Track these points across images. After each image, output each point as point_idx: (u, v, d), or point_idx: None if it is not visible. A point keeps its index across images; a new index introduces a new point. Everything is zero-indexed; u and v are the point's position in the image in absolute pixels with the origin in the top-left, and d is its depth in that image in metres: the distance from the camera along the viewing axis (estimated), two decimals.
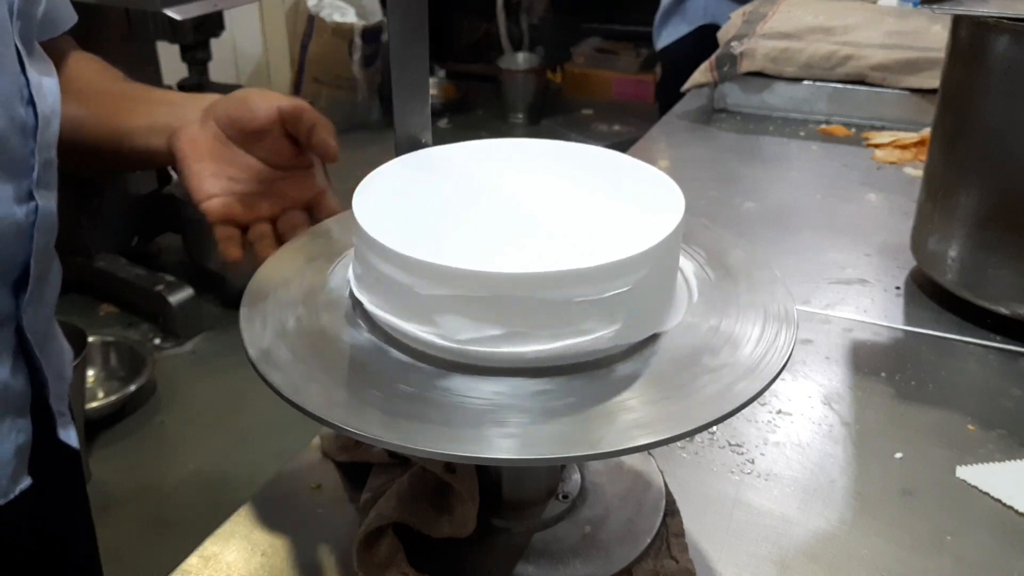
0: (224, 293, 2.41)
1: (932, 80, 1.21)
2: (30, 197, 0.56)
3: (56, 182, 0.60)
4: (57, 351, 0.67)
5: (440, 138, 0.53)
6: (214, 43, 2.59)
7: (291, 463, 0.61)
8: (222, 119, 0.63)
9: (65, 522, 0.73)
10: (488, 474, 0.51)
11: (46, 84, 0.58)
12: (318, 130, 0.62)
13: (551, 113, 3.95)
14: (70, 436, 0.67)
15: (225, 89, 2.72)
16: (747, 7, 1.50)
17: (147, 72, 2.60)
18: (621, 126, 3.80)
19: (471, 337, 0.42)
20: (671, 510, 0.54)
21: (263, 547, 0.54)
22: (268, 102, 0.63)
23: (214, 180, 0.62)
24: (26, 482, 0.61)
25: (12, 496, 0.60)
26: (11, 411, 0.59)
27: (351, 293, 0.48)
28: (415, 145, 0.55)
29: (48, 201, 0.58)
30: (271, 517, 0.57)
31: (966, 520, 0.57)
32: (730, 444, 0.64)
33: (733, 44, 1.34)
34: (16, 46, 0.55)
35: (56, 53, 0.66)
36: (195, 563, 0.53)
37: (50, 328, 0.65)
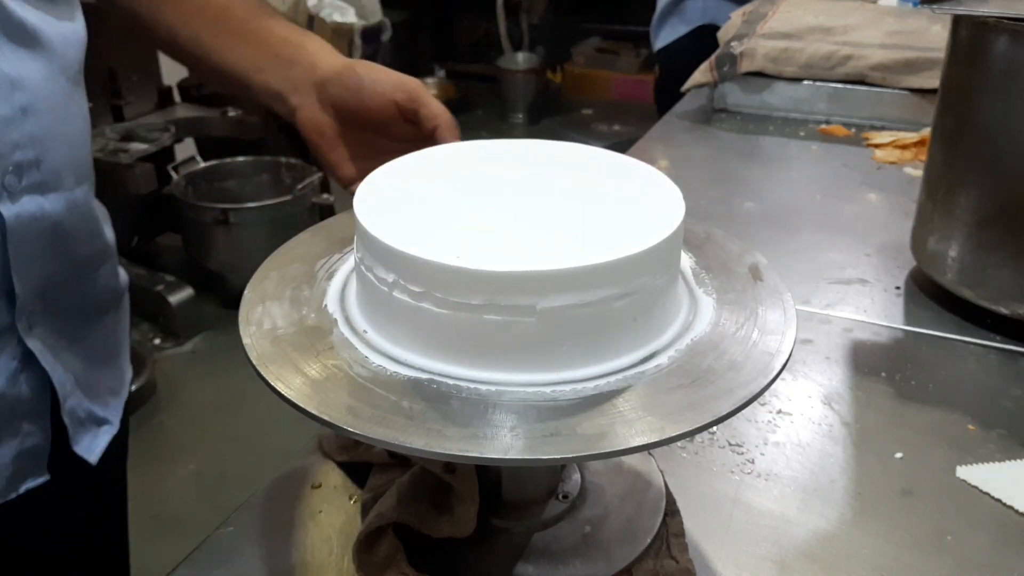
0: (224, 293, 2.41)
1: (932, 80, 1.21)
2: None
3: (48, 183, 0.55)
4: (89, 366, 0.64)
5: None
6: None
7: (291, 463, 0.61)
8: (339, 108, 0.61)
9: (87, 526, 0.72)
10: (488, 474, 0.51)
11: (20, 75, 0.52)
12: (441, 133, 0.59)
13: (551, 113, 3.96)
14: (90, 449, 0.65)
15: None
16: (747, 7, 1.50)
17: (147, 72, 2.61)
18: (621, 126, 3.80)
19: (472, 336, 0.42)
20: (671, 510, 0.54)
21: (263, 547, 0.54)
22: (382, 95, 0.60)
23: (351, 164, 0.61)
24: (36, 480, 0.61)
25: (11, 497, 0.60)
26: (14, 417, 0.58)
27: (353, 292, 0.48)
28: None
29: (25, 207, 0.53)
30: (271, 517, 0.57)
31: (966, 520, 0.57)
32: (730, 444, 0.64)
33: (733, 44, 1.34)
34: None
35: None
36: (194, 563, 0.53)
37: (72, 342, 0.62)
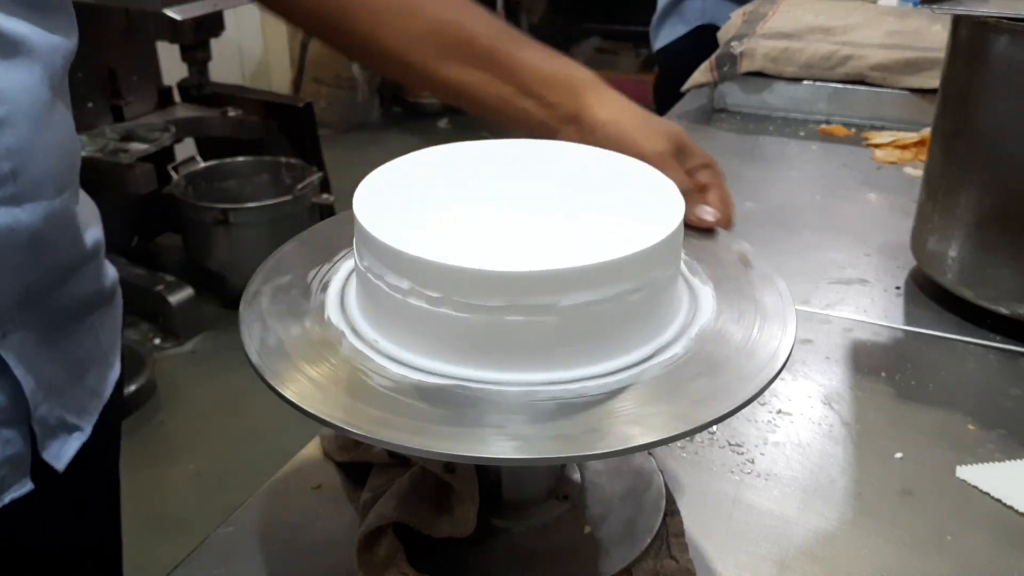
0: (224, 293, 2.41)
1: (932, 80, 1.21)
2: None
3: (24, 194, 0.53)
4: (67, 371, 0.63)
5: (440, 138, 0.53)
6: (214, 43, 2.60)
7: (291, 463, 0.61)
8: None
9: (84, 533, 0.72)
10: (488, 474, 0.51)
11: (9, 84, 0.50)
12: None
13: None
14: (58, 456, 0.63)
15: (225, 89, 2.74)
16: (747, 7, 1.50)
17: (147, 72, 2.61)
18: None
19: (472, 336, 0.42)
20: (671, 510, 0.54)
21: (263, 547, 0.54)
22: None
23: None
24: (21, 490, 0.60)
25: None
26: None
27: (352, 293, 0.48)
28: None
29: (1, 219, 0.52)
30: (271, 517, 0.57)
31: (966, 520, 0.57)
32: (730, 444, 0.64)
33: (733, 44, 1.34)
34: None
35: None
36: (194, 563, 0.53)
37: (50, 347, 0.61)
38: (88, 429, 0.66)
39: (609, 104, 0.61)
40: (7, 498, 0.60)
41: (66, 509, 0.67)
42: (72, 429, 0.64)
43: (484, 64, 0.62)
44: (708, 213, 0.55)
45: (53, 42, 0.55)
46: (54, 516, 0.66)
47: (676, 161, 0.57)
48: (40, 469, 0.62)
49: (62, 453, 0.64)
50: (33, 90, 0.53)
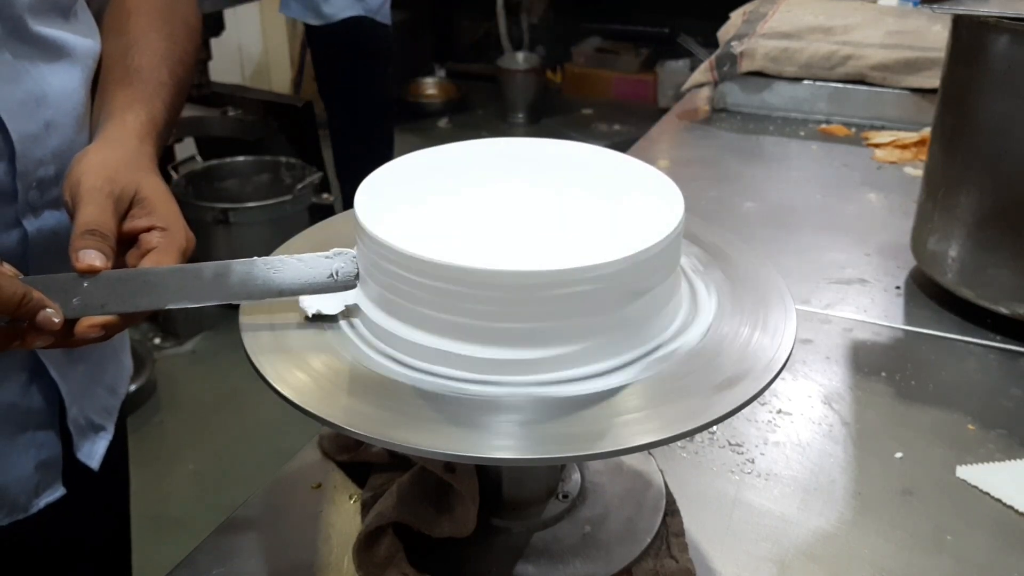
0: None
1: (932, 80, 1.21)
2: (16, 223, 0.53)
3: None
4: (90, 371, 0.64)
5: (440, 138, 0.53)
6: (214, 43, 2.59)
7: (291, 463, 0.61)
8: None
9: (97, 531, 0.73)
10: (488, 474, 0.51)
11: (45, 91, 0.53)
12: None
13: (551, 113, 3.95)
14: (91, 455, 0.65)
15: (225, 89, 2.74)
16: (747, 7, 1.50)
17: None
18: (621, 126, 3.80)
19: (472, 336, 0.42)
20: (671, 510, 0.54)
21: (263, 547, 0.54)
22: None
23: None
24: (54, 494, 0.62)
25: (34, 510, 0.61)
26: (29, 427, 0.59)
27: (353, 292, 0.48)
28: None
29: (46, 221, 0.54)
30: (271, 517, 0.57)
31: (966, 520, 0.57)
32: (730, 444, 0.64)
33: (733, 44, 1.34)
34: None
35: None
36: (194, 563, 0.53)
37: (79, 351, 0.62)
38: (111, 430, 0.68)
39: (101, 148, 0.53)
40: (41, 502, 0.61)
41: (89, 509, 0.68)
42: (98, 429, 0.67)
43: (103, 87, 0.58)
44: (91, 257, 0.46)
45: (86, 45, 0.57)
46: (78, 517, 0.67)
47: (112, 203, 0.49)
48: (67, 472, 0.63)
49: (94, 452, 0.66)
50: (74, 93, 0.55)
